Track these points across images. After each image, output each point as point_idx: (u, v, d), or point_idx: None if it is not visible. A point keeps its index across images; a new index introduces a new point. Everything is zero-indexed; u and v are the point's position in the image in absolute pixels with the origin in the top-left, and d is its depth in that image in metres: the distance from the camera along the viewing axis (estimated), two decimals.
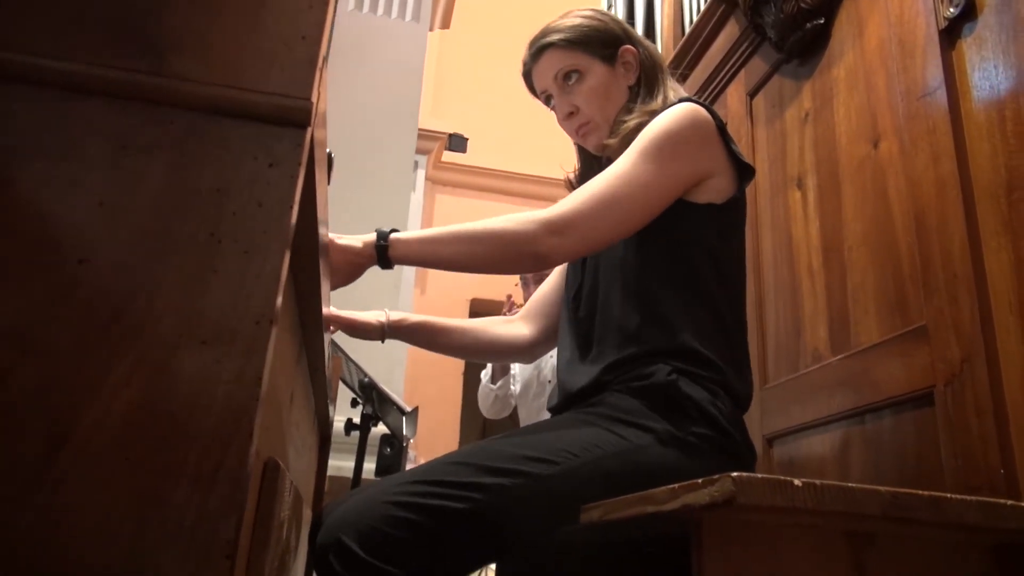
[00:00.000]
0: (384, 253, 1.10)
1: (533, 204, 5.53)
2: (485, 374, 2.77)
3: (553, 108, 1.28)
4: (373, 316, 1.30)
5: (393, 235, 1.11)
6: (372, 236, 1.12)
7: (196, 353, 0.45)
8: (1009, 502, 0.69)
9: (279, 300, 0.48)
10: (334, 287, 1.20)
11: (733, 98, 1.96)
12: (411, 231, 1.12)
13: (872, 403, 1.33)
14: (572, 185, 1.36)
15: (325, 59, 0.55)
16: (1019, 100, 1.11)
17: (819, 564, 0.77)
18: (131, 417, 0.43)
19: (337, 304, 1.30)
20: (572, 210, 1.05)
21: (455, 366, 4.36)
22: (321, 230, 0.74)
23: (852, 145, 1.48)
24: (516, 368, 2.77)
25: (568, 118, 1.25)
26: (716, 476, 0.66)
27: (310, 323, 0.97)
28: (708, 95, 2.06)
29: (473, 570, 0.95)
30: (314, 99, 0.52)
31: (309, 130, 0.52)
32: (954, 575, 0.81)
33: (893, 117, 1.37)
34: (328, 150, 0.79)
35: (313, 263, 0.79)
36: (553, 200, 1.45)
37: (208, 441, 0.44)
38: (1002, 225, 1.11)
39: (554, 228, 1.03)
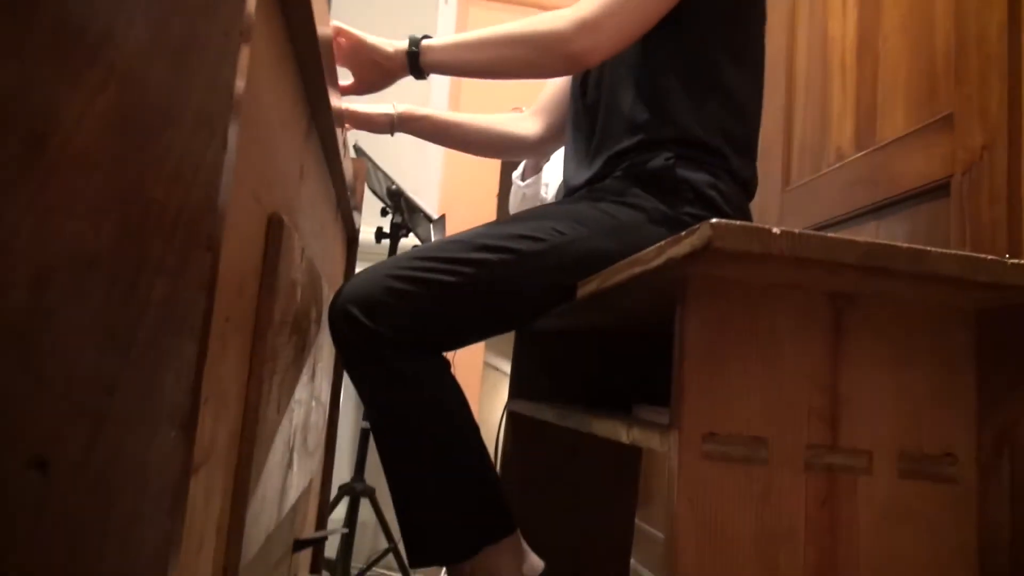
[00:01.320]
0: (416, 60, 1.09)
1: None
2: (516, 174, 2.75)
3: None
4: (382, 109, 1.29)
5: (425, 41, 1.09)
6: (404, 43, 1.10)
7: (167, 62, 0.47)
8: (990, 257, 0.70)
9: (248, 13, 0.48)
10: (362, 92, 1.19)
11: None
12: (443, 37, 1.09)
13: (888, 197, 1.32)
14: None
15: None
16: None
17: (799, 323, 0.80)
18: (108, 119, 0.45)
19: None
20: (602, 5, 0.99)
21: (490, 183, 4.34)
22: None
23: None
24: (550, 176, 2.74)
25: None
26: (696, 225, 0.68)
27: (316, 98, 0.97)
28: None
29: (468, 342, 1.00)
30: None
31: None
32: (933, 340, 0.84)
33: None
34: None
35: (309, 29, 0.78)
36: None
37: (184, 143, 0.46)
38: None
39: (588, 26, 0.99)
